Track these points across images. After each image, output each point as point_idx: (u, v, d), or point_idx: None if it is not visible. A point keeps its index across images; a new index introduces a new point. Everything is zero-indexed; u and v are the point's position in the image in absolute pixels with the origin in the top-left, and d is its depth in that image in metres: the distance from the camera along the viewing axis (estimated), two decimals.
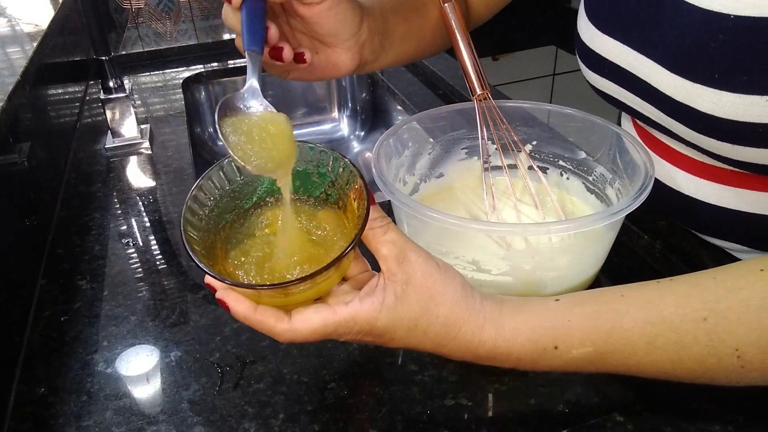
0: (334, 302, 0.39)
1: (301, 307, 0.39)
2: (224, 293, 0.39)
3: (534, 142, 0.64)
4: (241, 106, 0.43)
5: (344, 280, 0.42)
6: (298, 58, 0.51)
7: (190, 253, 0.37)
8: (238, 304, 0.38)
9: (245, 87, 0.44)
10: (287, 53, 0.50)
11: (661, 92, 0.53)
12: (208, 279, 0.39)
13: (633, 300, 0.41)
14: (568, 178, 0.63)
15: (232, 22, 0.49)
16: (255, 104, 0.43)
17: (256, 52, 0.46)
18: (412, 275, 0.39)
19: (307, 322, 0.38)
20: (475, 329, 0.40)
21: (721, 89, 0.48)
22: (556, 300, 0.42)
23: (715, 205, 0.57)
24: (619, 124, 0.72)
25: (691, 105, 0.50)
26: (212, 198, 0.42)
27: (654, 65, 0.53)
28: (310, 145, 0.42)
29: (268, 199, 0.45)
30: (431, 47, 0.68)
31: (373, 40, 0.57)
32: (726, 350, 0.38)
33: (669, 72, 0.52)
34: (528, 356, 0.41)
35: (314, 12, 0.50)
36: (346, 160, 0.42)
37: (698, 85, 0.49)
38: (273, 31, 0.49)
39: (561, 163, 0.63)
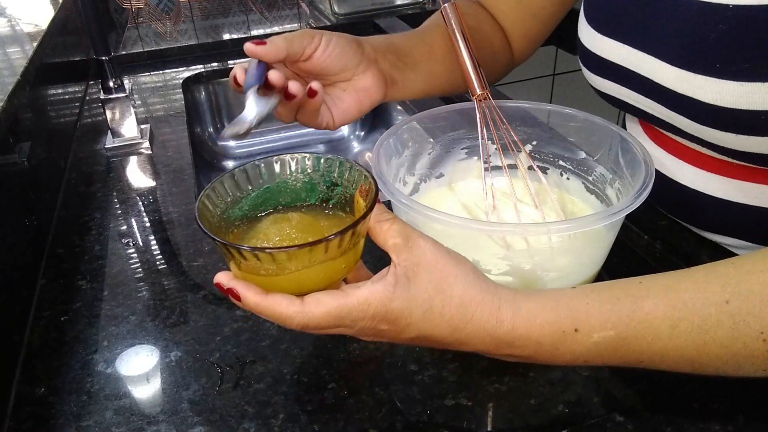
0: (346, 288, 0.39)
1: (314, 293, 0.38)
2: (233, 282, 0.38)
3: (534, 142, 0.64)
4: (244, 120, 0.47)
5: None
6: (310, 93, 0.54)
7: (201, 225, 0.38)
8: (248, 290, 0.38)
9: (246, 106, 0.49)
10: (293, 87, 0.52)
11: (664, 87, 0.54)
12: (217, 278, 0.39)
13: (651, 286, 0.40)
14: (568, 178, 0.63)
15: (239, 76, 0.52)
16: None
17: (252, 85, 0.50)
18: (422, 257, 0.39)
19: (319, 304, 0.37)
20: (491, 309, 0.39)
21: (722, 78, 0.48)
22: (572, 288, 0.41)
23: (721, 199, 0.58)
24: (624, 122, 0.72)
25: (694, 96, 0.51)
26: (223, 202, 0.42)
27: (655, 61, 0.54)
28: (316, 156, 0.44)
29: (274, 212, 0.45)
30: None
31: (385, 56, 0.61)
32: (751, 333, 0.38)
33: (670, 65, 0.52)
34: (547, 339, 0.39)
35: (315, 61, 0.55)
36: (352, 162, 0.43)
37: (699, 76, 0.50)
38: (273, 75, 0.51)
39: (561, 163, 0.63)
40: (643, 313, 0.39)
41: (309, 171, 0.44)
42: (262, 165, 0.44)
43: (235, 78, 0.53)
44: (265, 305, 0.38)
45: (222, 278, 0.39)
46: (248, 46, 0.51)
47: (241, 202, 0.43)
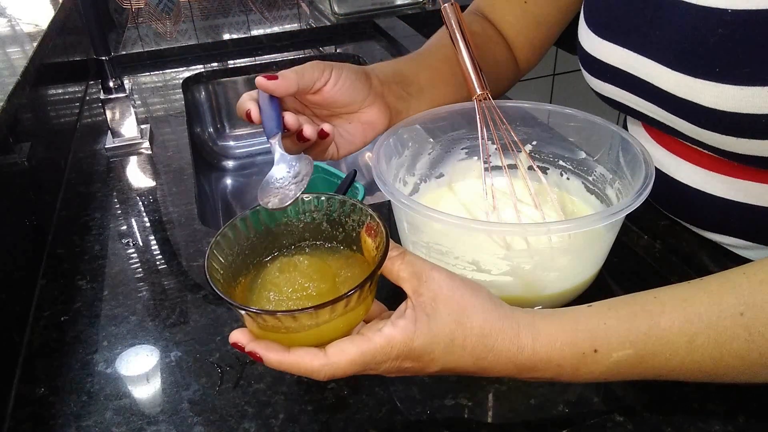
0: (367, 331, 0.39)
1: (336, 341, 0.38)
2: (252, 344, 0.38)
3: (534, 142, 0.64)
4: (277, 184, 0.46)
5: (365, 323, 0.42)
6: (322, 134, 0.54)
7: (215, 288, 0.37)
8: (269, 350, 0.38)
9: (275, 164, 0.48)
10: (308, 131, 0.53)
11: (664, 91, 0.54)
12: (233, 337, 0.39)
13: (667, 300, 0.41)
14: (568, 178, 0.63)
15: (254, 115, 0.52)
16: (286, 170, 0.47)
17: (276, 134, 0.50)
18: (439, 291, 0.39)
19: (343, 354, 0.37)
20: (511, 336, 0.40)
21: (722, 82, 0.48)
22: (589, 306, 0.42)
23: (722, 198, 0.58)
24: (625, 123, 0.72)
25: (694, 101, 0.51)
26: (229, 254, 0.42)
27: (655, 65, 0.54)
28: (317, 195, 0.44)
29: (279, 255, 0.45)
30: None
31: (391, 89, 0.61)
32: (766, 344, 0.38)
33: (670, 70, 0.52)
34: (568, 362, 0.40)
35: (324, 95, 0.55)
36: (354, 201, 0.43)
37: (700, 80, 0.50)
38: (289, 118, 0.52)
39: (561, 163, 0.63)
40: (660, 330, 0.39)
41: (311, 211, 0.44)
42: (262, 210, 0.43)
43: (248, 114, 0.52)
44: (288, 362, 0.38)
45: (240, 338, 0.39)
46: (260, 81, 0.51)
47: (245, 251, 0.43)
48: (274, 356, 0.38)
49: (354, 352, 0.37)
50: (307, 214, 0.44)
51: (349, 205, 0.43)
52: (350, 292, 0.36)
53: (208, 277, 0.38)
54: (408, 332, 0.38)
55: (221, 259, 0.41)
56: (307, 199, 0.44)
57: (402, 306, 0.40)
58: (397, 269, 0.39)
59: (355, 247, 0.43)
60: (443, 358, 0.39)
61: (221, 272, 0.40)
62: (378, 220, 0.40)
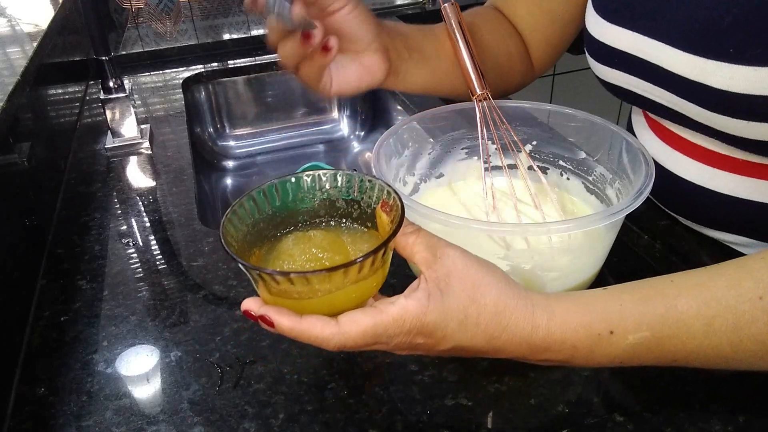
0: (380, 304, 0.38)
1: (348, 312, 0.38)
2: (264, 308, 0.37)
3: (534, 142, 0.64)
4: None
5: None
6: (325, 47, 0.52)
7: (228, 250, 0.37)
8: (281, 315, 0.37)
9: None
10: (317, 34, 0.50)
11: (674, 74, 0.53)
12: (244, 305, 0.38)
13: (683, 284, 0.40)
14: (568, 178, 0.63)
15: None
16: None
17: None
18: (453, 267, 0.39)
19: (355, 324, 0.37)
20: (525, 314, 0.39)
21: (735, 63, 0.48)
22: (603, 289, 0.41)
23: (726, 195, 0.57)
24: (629, 118, 0.72)
25: (705, 82, 0.50)
26: (244, 224, 0.42)
27: (665, 47, 0.54)
28: (333, 172, 0.44)
29: (294, 230, 0.45)
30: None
31: (396, 45, 0.61)
32: None
33: (681, 51, 0.52)
34: (583, 343, 0.39)
35: (336, 19, 0.55)
36: (372, 177, 0.43)
37: (711, 61, 0.49)
38: (297, 8, 0.49)
39: (561, 163, 0.63)
40: (677, 312, 0.39)
41: (326, 188, 0.44)
42: (279, 185, 0.44)
43: None
44: (300, 329, 0.37)
45: (251, 305, 0.38)
46: None
47: (260, 223, 0.43)
48: (286, 321, 0.37)
49: (366, 323, 0.37)
50: (322, 190, 0.44)
51: (366, 181, 0.43)
52: (364, 257, 0.36)
53: (222, 240, 0.38)
54: (421, 305, 0.37)
55: (236, 227, 0.41)
56: (324, 177, 0.44)
57: (415, 282, 0.39)
58: (411, 244, 0.39)
59: (369, 224, 0.43)
60: (456, 336, 0.38)
61: (236, 238, 0.40)
62: (395, 194, 0.40)
